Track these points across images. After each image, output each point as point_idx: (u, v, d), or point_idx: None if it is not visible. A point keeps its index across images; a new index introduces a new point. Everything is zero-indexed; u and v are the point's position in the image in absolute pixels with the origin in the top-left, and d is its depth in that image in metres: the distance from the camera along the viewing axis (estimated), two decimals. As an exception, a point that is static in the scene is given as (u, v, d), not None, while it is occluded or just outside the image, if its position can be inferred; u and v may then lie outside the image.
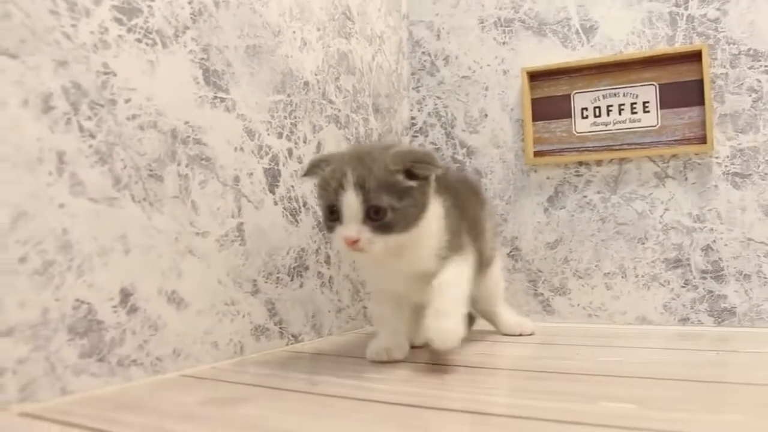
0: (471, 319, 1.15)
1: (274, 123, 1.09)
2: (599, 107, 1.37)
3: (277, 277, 1.08)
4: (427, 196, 0.88)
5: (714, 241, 1.28)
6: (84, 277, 0.76)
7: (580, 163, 1.39)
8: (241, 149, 1.02)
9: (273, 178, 1.09)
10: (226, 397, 0.75)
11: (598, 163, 1.38)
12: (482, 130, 1.50)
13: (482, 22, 1.51)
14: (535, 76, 1.43)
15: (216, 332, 0.95)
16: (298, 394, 0.76)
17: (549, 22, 1.44)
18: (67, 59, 0.75)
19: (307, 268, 1.16)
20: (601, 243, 1.37)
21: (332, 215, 0.85)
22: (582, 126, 1.39)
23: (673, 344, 1.09)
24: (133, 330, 0.82)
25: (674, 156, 1.31)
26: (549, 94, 1.42)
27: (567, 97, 1.41)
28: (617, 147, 1.36)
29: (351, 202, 0.82)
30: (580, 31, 1.40)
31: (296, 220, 1.14)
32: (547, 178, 1.43)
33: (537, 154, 1.43)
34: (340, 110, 1.29)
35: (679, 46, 1.31)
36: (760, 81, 1.25)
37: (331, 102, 1.26)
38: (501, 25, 1.49)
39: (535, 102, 1.43)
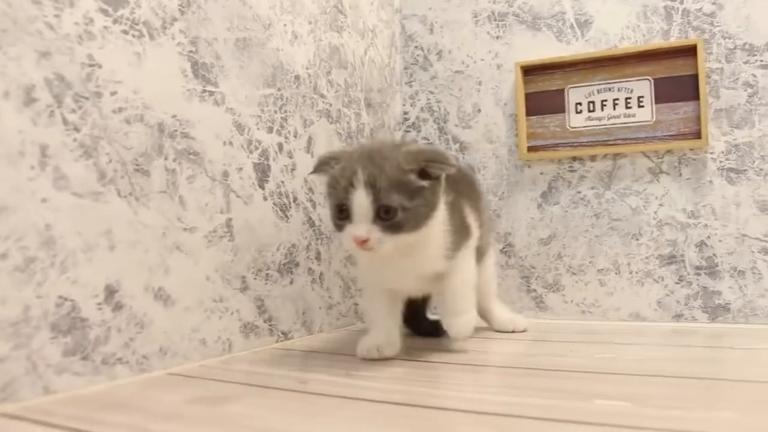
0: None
1: (264, 117, 1.08)
2: (593, 102, 1.36)
3: (267, 274, 1.07)
4: (437, 195, 0.88)
5: (708, 237, 1.27)
6: (67, 273, 0.74)
7: (574, 159, 1.38)
8: (230, 144, 1.00)
9: (263, 173, 1.07)
10: (215, 395, 0.73)
11: (592, 158, 1.37)
12: (475, 125, 1.49)
13: (476, 16, 1.49)
14: (529, 71, 1.42)
15: (204, 329, 0.94)
16: (287, 392, 0.75)
17: (543, 16, 1.42)
18: (50, 50, 0.74)
19: (297, 265, 1.15)
20: (595, 239, 1.36)
21: (341, 214, 0.84)
22: (576, 121, 1.38)
23: (668, 341, 1.08)
24: (119, 327, 0.80)
25: (669, 151, 1.30)
26: (543, 88, 1.41)
27: (561, 92, 1.39)
28: (611, 142, 1.35)
29: (361, 201, 0.81)
30: (575, 25, 1.39)
31: (286, 216, 1.12)
32: (541, 173, 1.42)
33: (530, 149, 1.42)
34: (331, 105, 1.28)
35: (674, 40, 1.30)
36: (755, 76, 1.24)
37: (322, 96, 1.25)
38: (495, 19, 1.47)
39: (528, 97, 1.42)
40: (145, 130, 0.86)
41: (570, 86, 1.38)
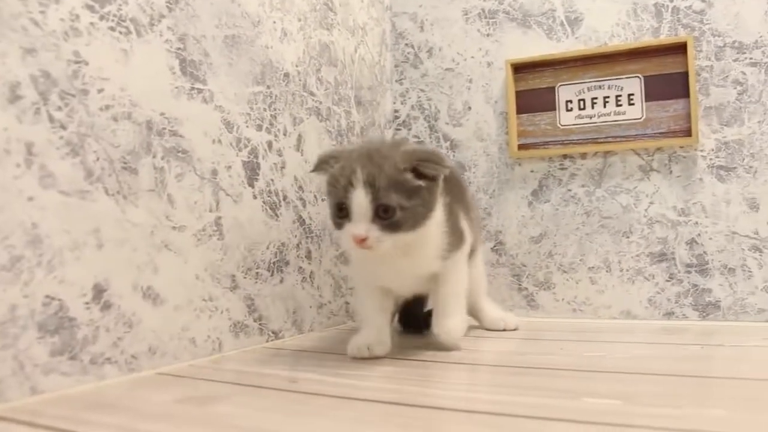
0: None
1: (253, 115, 1.07)
2: (584, 100, 1.36)
3: (257, 273, 1.06)
4: (435, 196, 0.89)
5: (699, 234, 1.27)
6: (55, 272, 0.74)
7: (565, 156, 1.38)
8: (219, 141, 1.00)
9: (252, 171, 1.06)
10: (204, 395, 0.73)
11: (583, 156, 1.37)
12: (466, 123, 1.49)
13: (466, 14, 1.49)
14: (520, 69, 1.42)
15: (193, 329, 0.93)
16: (277, 391, 0.74)
17: (534, 14, 1.42)
18: (36, 47, 0.73)
19: (287, 263, 1.14)
20: (586, 237, 1.36)
21: (341, 212, 0.86)
22: (566, 119, 1.38)
23: (658, 339, 1.08)
24: (107, 327, 0.80)
25: (659, 149, 1.30)
26: (533, 86, 1.41)
27: (551, 90, 1.39)
28: (602, 140, 1.35)
29: (360, 200, 0.82)
30: (565, 22, 1.39)
31: (276, 215, 1.12)
32: (532, 171, 1.41)
33: (521, 147, 1.41)
34: (321, 102, 1.27)
35: (665, 38, 1.30)
36: (745, 73, 1.24)
37: (312, 94, 1.24)
38: (485, 17, 1.47)
39: (519, 94, 1.42)
40: (133, 128, 0.85)
41: (560, 84, 1.38)
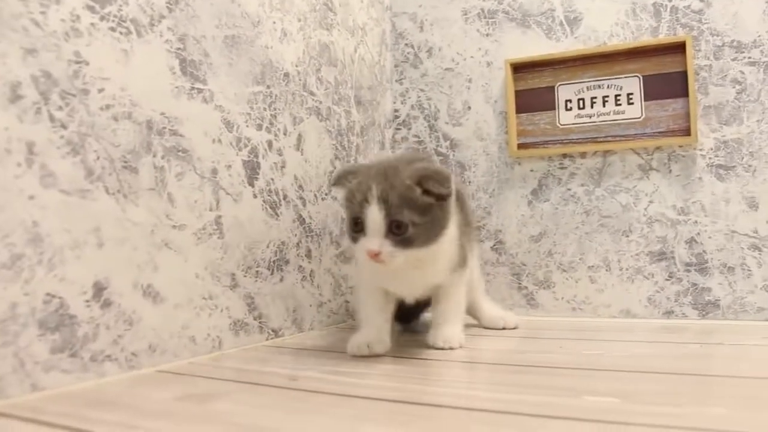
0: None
1: (253, 114, 1.07)
2: (583, 99, 1.37)
3: (257, 271, 1.07)
4: (447, 213, 0.91)
5: (698, 233, 1.27)
6: (55, 270, 0.74)
7: (564, 156, 1.38)
8: (219, 141, 1.00)
9: (252, 170, 1.07)
10: (204, 392, 0.73)
11: (582, 155, 1.37)
12: (466, 122, 1.49)
13: (466, 14, 1.49)
14: (519, 68, 1.42)
15: (193, 327, 0.93)
16: (277, 389, 0.74)
17: (533, 14, 1.42)
18: (37, 47, 0.73)
19: (287, 262, 1.14)
20: (585, 236, 1.36)
21: (356, 227, 0.88)
22: (566, 118, 1.38)
23: (657, 337, 1.08)
24: (107, 325, 0.80)
25: (658, 148, 1.31)
26: (533, 86, 1.41)
27: (551, 89, 1.40)
28: (601, 139, 1.35)
29: (374, 216, 0.85)
30: (564, 22, 1.39)
31: (276, 214, 1.12)
32: (531, 170, 1.42)
33: (521, 146, 1.42)
34: (321, 102, 1.27)
35: (663, 37, 1.30)
36: (743, 73, 1.24)
37: (312, 94, 1.24)
38: (485, 17, 1.47)
39: (518, 94, 1.42)
40: (133, 128, 0.85)
41: (560, 83, 1.39)
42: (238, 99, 1.04)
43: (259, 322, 1.07)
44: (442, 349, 0.98)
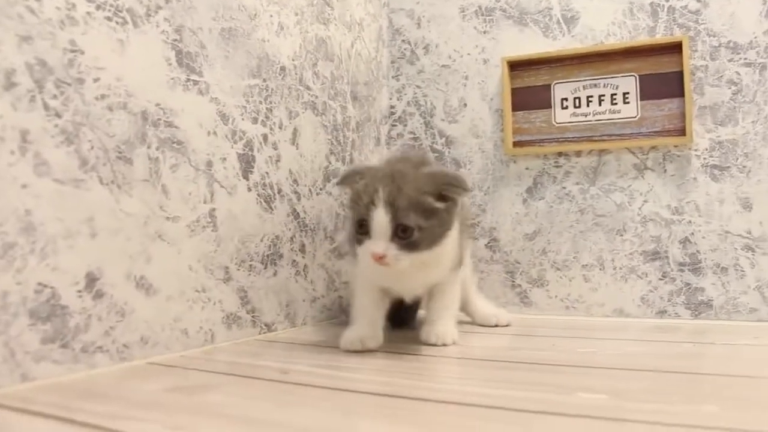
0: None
1: (249, 108, 1.07)
2: (579, 98, 1.37)
3: (250, 265, 1.06)
4: (452, 216, 0.92)
5: (692, 233, 1.27)
6: (47, 260, 0.74)
7: (560, 154, 1.38)
8: (215, 133, 1.00)
9: (247, 163, 1.06)
10: (195, 385, 0.73)
11: (578, 154, 1.37)
12: (461, 119, 1.49)
13: (463, 11, 1.49)
14: (516, 66, 1.42)
15: (186, 319, 0.93)
16: (268, 382, 0.74)
17: (530, 12, 1.42)
18: (32, 35, 0.73)
19: (281, 256, 1.14)
20: (580, 234, 1.36)
21: (362, 229, 0.88)
22: (562, 116, 1.38)
23: (650, 336, 1.08)
24: (99, 316, 0.80)
25: (653, 148, 1.31)
26: (529, 84, 1.41)
27: (547, 87, 1.40)
28: (597, 138, 1.35)
29: (380, 219, 0.85)
30: (562, 21, 1.39)
31: (270, 208, 1.12)
32: (526, 168, 1.42)
33: (516, 144, 1.42)
34: (317, 97, 1.27)
35: (660, 37, 1.30)
36: (739, 74, 1.24)
37: (308, 88, 1.24)
38: (482, 14, 1.47)
39: (515, 92, 1.42)
40: (128, 118, 0.85)
41: (556, 82, 1.39)
42: (234, 92, 1.04)
43: (252, 316, 1.06)
44: (435, 345, 0.98)
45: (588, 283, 1.35)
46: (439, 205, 0.88)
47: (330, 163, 1.30)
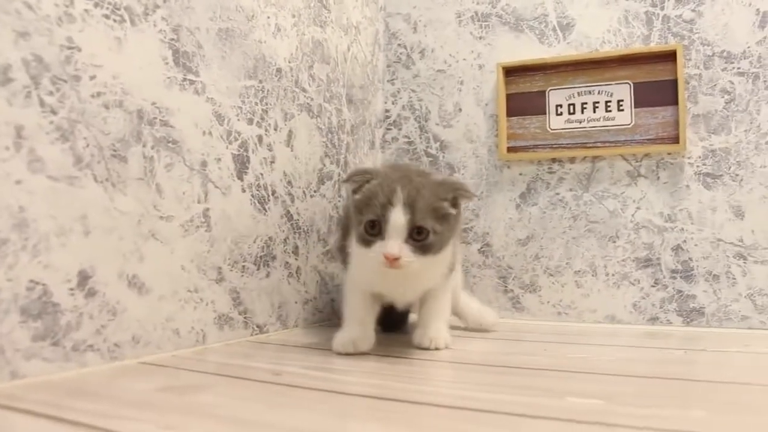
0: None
1: (244, 108, 1.07)
2: (574, 104, 1.37)
3: (243, 266, 1.06)
4: (459, 222, 0.95)
5: (684, 241, 1.28)
6: (40, 257, 0.73)
7: (554, 160, 1.39)
8: (210, 134, 1.00)
9: (242, 164, 1.06)
10: (186, 384, 0.73)
11: (571, 160, 1.37)
12: (456, 124, 1.49)
13: (459, 16, 1.50)
14: (511, 72, 1.43)
15: (178, 319, 0.93)
16: (260, 383, 0.74)
17: (526, 18, 1.43)
18: (29, 30, 0.73)
19: (274, 258, 1.14)
20: (573, 241, 1.36)
21: (373, 230, 0.87)
22: (556, 123, 1.38)
23: (642, 343, 1.09)
24: (91, 314, 0.79)
25: (647, 155, 1.31)
26: (524, 90, 1.42)
27: (542, 94, 1.40)
28: (591, 144, 1.35)
29: (398, 219, 0.85)
30: (557, 27, 1.40)
31: (264, 209, 1.12)
32: (520, 174, 1.42)
33: (510, 149, 1.42)
34: (312, 99, 1.27)
35: (655, 45, 1.31)
36: (732, 83, 1.25)
37: (303, 90, 1.24)
38: (478, 20, 1.48)
39: (509, 97, 1.43)
40: (124, 116, 0.85)
41: (551, 88, 1.39)
42: (230, 92, 1.04)
43: (244, 317, 1.06)
44: (428, 349, 0.98)
45: (580, 289, 1.36)
46: (452, 211, 0.90)
47: (324, 165, 1.30)
